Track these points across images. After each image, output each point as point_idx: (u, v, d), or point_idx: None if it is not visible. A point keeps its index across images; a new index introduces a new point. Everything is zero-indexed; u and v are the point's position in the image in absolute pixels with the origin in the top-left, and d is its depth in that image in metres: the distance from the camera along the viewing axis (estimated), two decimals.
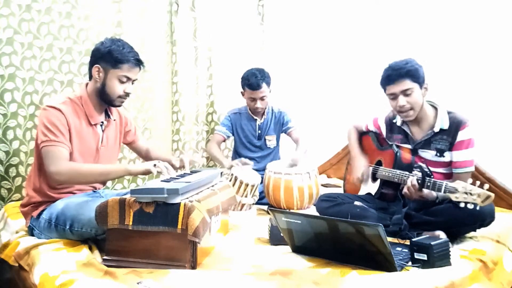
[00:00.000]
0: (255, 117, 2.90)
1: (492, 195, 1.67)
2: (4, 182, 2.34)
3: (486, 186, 1.69)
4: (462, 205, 1.71)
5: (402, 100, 2.00)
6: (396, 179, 2.06)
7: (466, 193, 1.70)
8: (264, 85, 2.74)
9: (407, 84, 1.98)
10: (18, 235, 1.87)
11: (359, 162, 2.32)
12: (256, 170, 2.68)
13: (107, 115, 1.96)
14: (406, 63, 2.01)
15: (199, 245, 1.58)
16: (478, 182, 1.71)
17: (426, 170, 1.93)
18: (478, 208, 1.69)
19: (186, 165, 2.01)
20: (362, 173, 2.26)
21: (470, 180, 1.73)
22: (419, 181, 1.88)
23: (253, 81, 2.73)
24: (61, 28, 2.45)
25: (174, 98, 2.99)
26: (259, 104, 2.78)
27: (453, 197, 1.73)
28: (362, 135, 2.46)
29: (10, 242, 1.84)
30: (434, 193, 1.90)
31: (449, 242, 1.67)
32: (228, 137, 2.91)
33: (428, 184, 1.85)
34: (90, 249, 1.72)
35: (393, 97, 2.04)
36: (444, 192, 1.78)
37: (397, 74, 1.99)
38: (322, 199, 2.26)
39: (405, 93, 1.99)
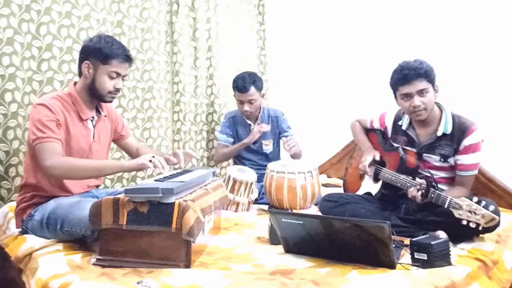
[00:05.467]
0: (249, 122, 2.89)
1: (497, 218, 1.65)
2: (4, 182, 2.34)
3: (492, 207, 1.66)
4: (464, 222, 1.69)
5: (417, 100, 1.97)
6: (399, 184, 2.05)
7: (470, 211, 1.67)
8: (252, 88, 2.73)
9: (424, 84, 1.96)
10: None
11: (368, 148, 2.30)
12: (256, 170, 2.68)
13: (98, 112, 1.98)
14: (421, 63, 1.97)
15: (193, 244, 1.58)
16: (484, 202, 1.68)
17: (431, 180, 1.89)
18: (480, 228, 1.67)
19: (181, 159, 1.99)
20: (374, 158, 2.22)
21: (476, 198, 1.70)
22: (423, 192, 1.86)
23: (240, 84, 2.73)
24: (61, 28, 2.45)
25: (175, 98, 2.99)
26: (246, 107, 2.77)
27: (456, 213, 1.72)
28: (368, 131, 2.44)
29: (16, 237, 1.85)
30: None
31: (449, 241, 1.66)
32: (231, 143, 2.91)
33: (432, 196, 1.83)
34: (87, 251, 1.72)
35: (408, 97, 2.01)
36: (448, 207, 1.75)
37: (415, 74, 1.95)
38: (326, 199, 2.26)
39: (420, 93, 1.97)
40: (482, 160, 2.06)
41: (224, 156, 2.92)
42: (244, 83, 2.73)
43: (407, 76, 1.97)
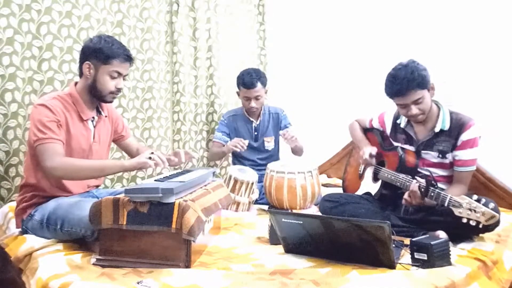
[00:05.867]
0: (251, 119, 2.89)
1: (497, 215, 1.65)
2: (4, 182, 2.34)
3: (492, 205, 1.66)
4: (464, 220, 1.69)
5: (414, 109, 1.98)
6: (398, 183, 2.05)
7: (470, 209, 1.67)
8: (259, 84, 2.74)
9: (418, 94, 1.95)
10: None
11: (366, 145, 2.28)
12: (256, 171, 2.68)
13: (98, 112, 1.98)
14: (412, 72, 1.93)
15: (193, 244, 1.58)
16: (483, 200, 1.68)
17: (431, 179, 1.88)
18: (480, 226, 1.67)
19: (182, 158, 1.98)
20: (370, 153, 2.20)
21: (475, 197, 1.70)
22: (422, 190, 1.86)
23: (247, 79, 2.73)
24: (61, 28, 2.45)
25: (175, 98, 2.99)
26: (253, 104, 2.77)
27: (456, 211, 1.71)
28: (366, 131, 2.44)
29: (16, 237, 1.85)
30: (434, 201, 1.86)
31: (449, 241, 1.66)
32: (226, 142, 2.91)
33: (432, 194, 1.82)
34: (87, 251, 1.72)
35: (403, 106, 2.01)
36: (448, 205, 1.75)
37: (407, 88, 1.93)
38: (326, 200, 2.26)
39: (416, 102, 1.96)
40: (481, 159, 2.06)
41: (214, 155, 2.91)
42: (252, 79, 2.73)
43: (400, 90, 1.96)
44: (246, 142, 2.69)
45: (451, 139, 2.01)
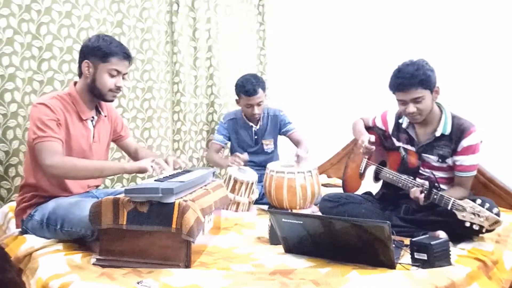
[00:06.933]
0: (250, 124, 2.88)
1: (501, 220, 1.65)
2: (3, 182, 2.34)
3: (495, 210, 1.65)
4: (467, 224, 1.69)
5: (411, 108, 1.96)
6: (400, 184, 2.04)
7: (473, 213, 1.66)
8: (260, 90, 2.73)
9: (418, 92, 1.93)
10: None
11: (365, 135, 2.27)
12: (256, 171, 2.68)
13: (98, 112, 1.98)
14: (418, 69, 1.92)
15: (193, 244, 1.58)
16: (487, 204, 1.67)
17: (433, 180, 1.88)
18: (484, 231, 1.67)
19: (170, 166, 1.93)
20: (369, 139, 2.19)
21: (479, 201, 1.69)
22: (425, 193, 1.85)
23: (249, 87, 2.71)
24: (61, 28, 2.45)
25: (175, 98, 2.99)
26: (256, 110, 2.76)
27: (459, 215, 1.71)
28: (368, 129, 2.44)
29: (16, 237, 1.85)
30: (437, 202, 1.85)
31: (449, 241, 1.66)
32: (226, 144, 2.90)
33: (435, 197, 1.82)
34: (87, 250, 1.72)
35: (403, 102, 2.00)
36: (451, 209, 1.74)
37: (409, 83, 1.92)
38: (326, 199, 2.26)
39: (415, 100, 1.95)
40: (482, 160, 2.05)
41: (211, 161, 2.88)
42: (253, 85, 2.70)
43: (401, 84, 1.95)
44: (244, 156, 2.63)
45: (451, 144, 2.00)
